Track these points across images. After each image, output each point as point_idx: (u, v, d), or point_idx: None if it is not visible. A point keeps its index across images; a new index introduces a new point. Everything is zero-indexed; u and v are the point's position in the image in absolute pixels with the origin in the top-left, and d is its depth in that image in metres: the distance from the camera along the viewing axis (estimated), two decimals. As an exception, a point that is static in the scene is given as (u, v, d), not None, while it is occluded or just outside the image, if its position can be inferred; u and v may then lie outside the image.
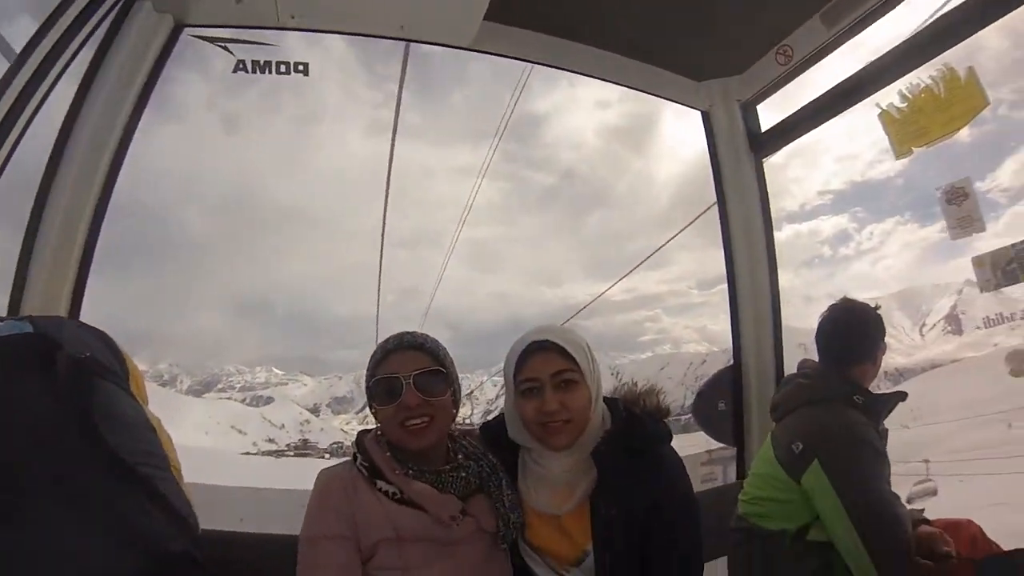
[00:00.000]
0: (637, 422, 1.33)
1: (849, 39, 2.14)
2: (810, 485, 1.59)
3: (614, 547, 1.24)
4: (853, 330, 1.81)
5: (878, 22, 2.03)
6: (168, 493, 1.02)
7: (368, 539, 1.19)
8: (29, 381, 0.94)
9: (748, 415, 2.43)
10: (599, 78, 2.41)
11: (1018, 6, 1.63)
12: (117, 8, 1.52)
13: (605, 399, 1.39)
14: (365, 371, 1.35)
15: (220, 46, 1.74)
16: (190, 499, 1.10)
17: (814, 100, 2.29)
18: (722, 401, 2.46)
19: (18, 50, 1.32)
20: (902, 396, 1.76)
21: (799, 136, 2.47)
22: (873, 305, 1.84)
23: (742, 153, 2.54)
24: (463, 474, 1.28)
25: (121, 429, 1.01)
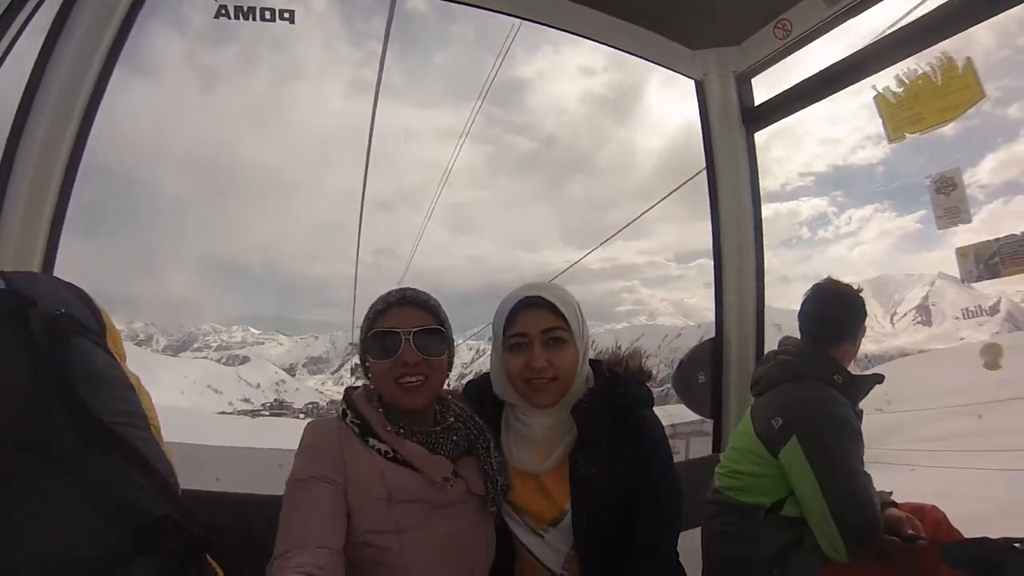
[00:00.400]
0: (621, 382, 1.33)
1: (849, 18, 2.11)
2: (787, 460, 1.63)
3: (591, 505, 1.24)
4: (837, 311, 1.83)
5: (879, 4, 2.01)
6: (148, 455, 1.00)
7: (357, 494, 1.14)
8: (4, 340, 0.89)
9: (727, 389, 2.47)
10: (593, 39, 2.35)
11: (1019, 3, 1.62)
12: None
13: (590, 361, 1.38)
14: (361, 325, 1.30)
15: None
16: (170, 459, 1.09)
17: (810, 77, 2.26)
18: (701, 373, 2.50)
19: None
20: (879, 378, 1.79)
21: (793, 112, 2.45)
22: (856, 287, 1.86)
23: (734, 125, 2.52)
24: (453, 436, 1.26)
25: (98, 388, 0.98)
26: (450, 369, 1.32)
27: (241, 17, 1.62)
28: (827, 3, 2.08)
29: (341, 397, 1.33)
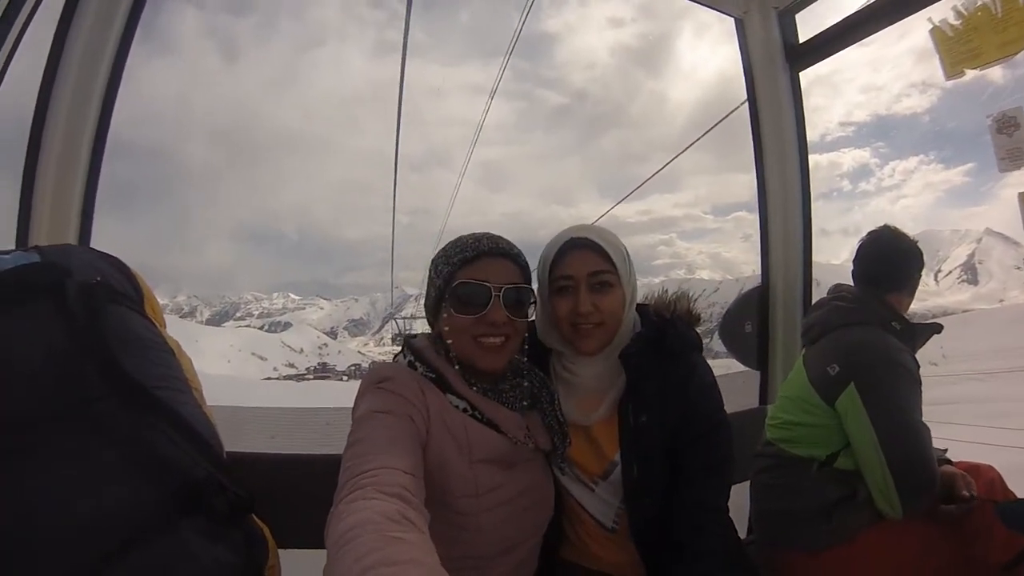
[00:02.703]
0: (669, 326, 1.28)
1: None
2: (844, 409, 1.56)
3: (642, 456, 1.22)
4: (895, 257, 1.74)
5: None
6: (189, 417, 1.01)
7: (438, 450, 1.05)
8: (41, 312, 0.91)
9: (774, 339, 2.39)
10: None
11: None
12: None
13: (637, 306, 1.34)
14: (436, 268, 1.16)
15: None
16: (213, 422, 1.10)
17: (860, 10, 2.08)
18: (748, 322, 2.42)
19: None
20: (938, 328, 1.71)
21: (841, 48, 2.25)
22: (913, 238, 1.77)
23: (778, 64, 2.35)
24: (521, 395, 1.21)
25: (136, 352, 0.99)
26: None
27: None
28: None
29: (400, 348, 1.22)
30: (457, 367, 1.15)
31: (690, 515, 1.20)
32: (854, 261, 1.80)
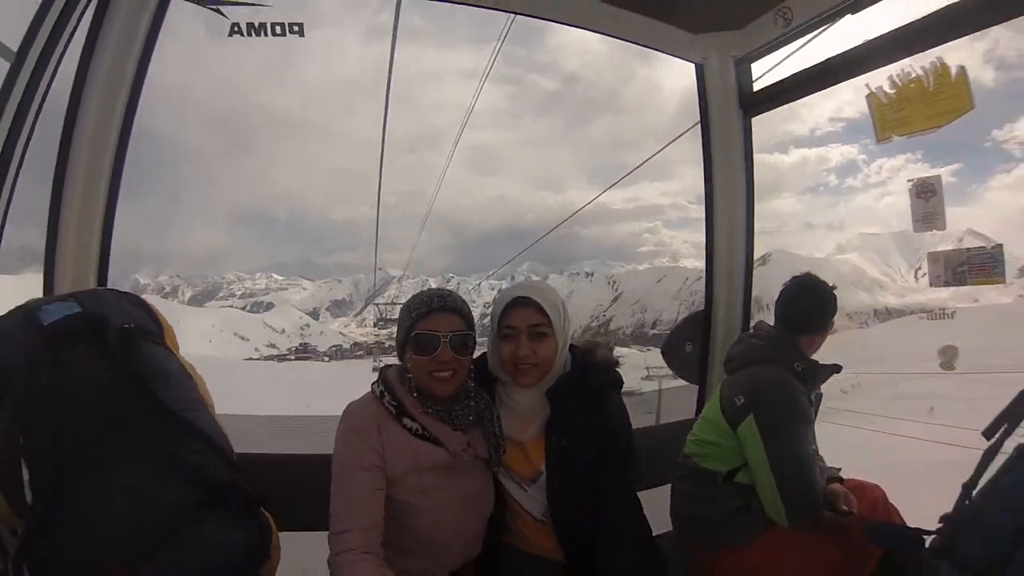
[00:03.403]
0: (590, 368, 1.60)
1: (849, 13, 2.12)
2: (744, 435, 1.83)
3: (561, 471, 1.54)
4: (811, 303, 1.99)
5: (880, 3, 2.03)
6: (210, 431, 1.28)
7: (395, 469, 1.44)
8: (90, 355, 1.18)
9: (712, 358, 2.65)
10: (594, 30, 2.44)
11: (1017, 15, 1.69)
12: None
13: (570, 347, 1.63)
14: (400, 321, 1.54)
15: (212, 8, 1.75)
16: (224, 431, 1.35)
17: (807, 68, 2.33)
18: (689, 343, 2.69)
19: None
20: (837, 368, 1.96)
21: (789, 101, 2.53)
22: (831, 286, 2.01)
23: (732, 109, 2.59)
24: (468, 413, 1.53)
25: (166, 382, 1.25)
26: (472, 357, 1.57)
27: (253, 34, 1.75)
28: None
29: (378, 373, 1.60)
30: (415, 395, 1.49)
31: (606, 517, 1.54)
32: (776, 303, 2.03)
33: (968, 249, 1.95)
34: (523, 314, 1.54)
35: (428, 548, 1.49)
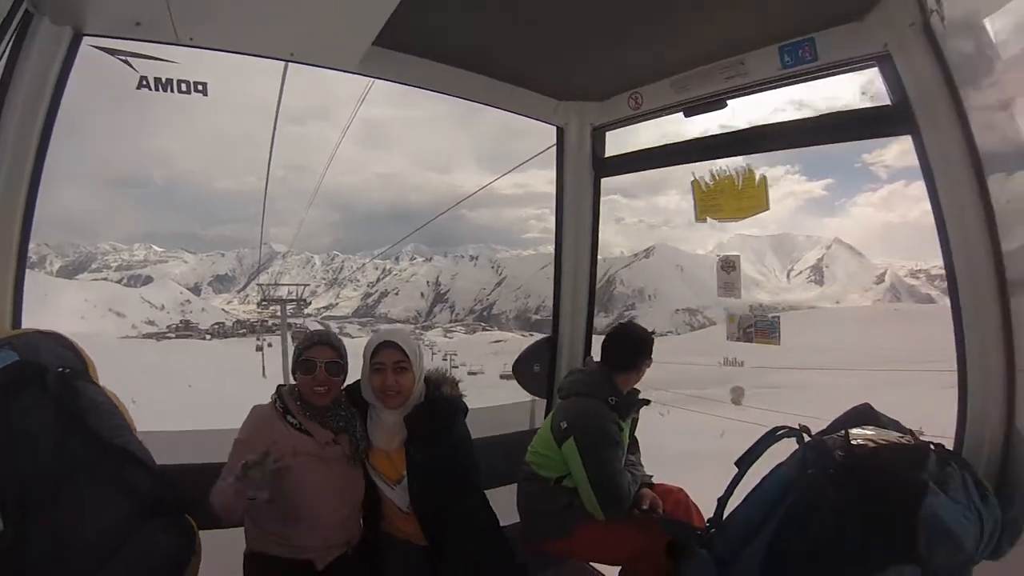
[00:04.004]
0: (440, 401, 2.10)
1: (692, 109, 2.52)
2: (566, 452, 2.31)
3: (417, 477, 2.01)
4: (626, 347, 2.46)
5: (717, 111, 2.49)
6: (138, 453, 1.63)
7: (276, 450, 1.81)
8: (36, 400, 1.49)
9: (558, 377, 3.12)
10: (465, 98, 2.77)
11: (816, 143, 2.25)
12: (16, 28, 1.65)
13: (426, 379, 2.12)
14: (293, 351, 2.08)
15: (122, 59, 1.91)
16: (146, 448, 1.71)
17: (651, 148, 2.83)
18: (537, 364, 3.18)
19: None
20: (646, 402, 2.49)
21: (633, 171, 3.06)
22: (650, 330, 2.52)
23: (585, 170, 3.03)
24: (337, 420, 2.01)
25: (99, 416, 1.60)
26: (344, 382, 2.06)
27: (160, 89, 1.94)
28: (675, 91, 2.52)
29: (273, 392, 2.07)
30: (299, 403, 2.00)
31: (455, 516, 1.99)
32: (602, 343, 2.51)
33: (755, 315, 2.43)
34: (389, 353, 2.01)
35: (310, 522, 1.91)
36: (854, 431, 1.62)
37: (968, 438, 1.73)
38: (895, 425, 1.71)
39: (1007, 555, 1.56)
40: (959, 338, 1.75)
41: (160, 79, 1.96)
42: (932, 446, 1.57)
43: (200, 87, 2.03)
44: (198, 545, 1.78)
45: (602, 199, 3.15)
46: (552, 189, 3.11)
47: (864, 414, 1.76)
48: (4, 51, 1.63)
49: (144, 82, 1.94)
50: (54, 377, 1.52)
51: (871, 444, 1.55)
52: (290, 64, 2.25)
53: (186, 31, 1.94)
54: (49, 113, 1.87)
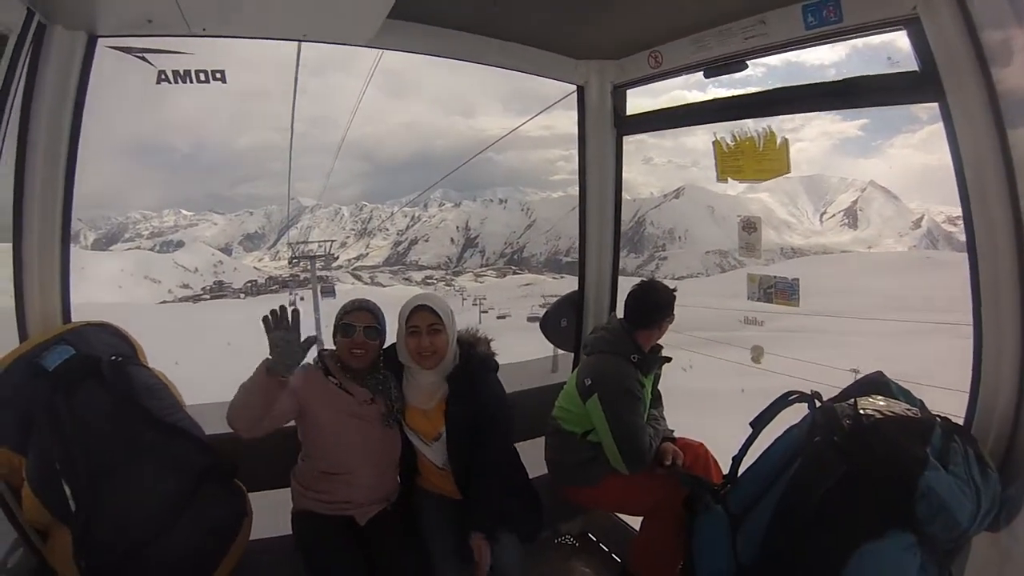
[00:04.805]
0: (474, 360, 2.20)
1: (713, 69, 2.47)
2: (590, 408, 2.39)
3: (455, 431, 2.12)
4: (648, 305, 2.48)
5: (740, 73, 2.44)
6: (189, 428, 1.83)
7: (318, 403, 2.05)
8: (93, 389, 1.65)
9: (585, 330, 3.19)
10: (484, 63, 2.72)
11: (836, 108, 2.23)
12: (32, 40, 1.72)
13: (460, 340, 2.21)
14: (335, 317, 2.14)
15: (138, 56, 1.95)
16: (196, 421, 1.91)
17: (673, 107, 2.79)
18: (564, 319, 3.25)
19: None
20: (667, 359, 2.55)
21: (656, 129, 3.01)
22: (672, 288, 2.53)
23: (606, 128, 3.00)
24: (375, 382, 2.15)
25: (152, 397, 1.79)
26: (382, 345, 2.18)
27: (179, 80, 1.99)
28: (695, 48, 2.46)
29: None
30: (339, 364, 2.14)
31: (487, 465, 2.12)
32: (625, 301, 2.56)
33: (776, 276, 2.48)
34: (423, 316, 2.11)
35: (349, 478, 2.08)
36: (863, 400, 1.67)
37: (979, 412, 1.73)
38: (906, 396, 1.75)
39: (1007, 528, 1.60)
40: (976, 317, 1.72)
41: (179, 71, 2.00)
42: (938, 419, 1.61)
43: (219, 75, 2.06)
44: (249, 507, 2.00)
45: (630, 140, 3.12)
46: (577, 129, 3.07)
47: (876, 383, 1.80)
48: (24, 64, 1.72)
49: (163, 76, 1.99)
50: (108, 366, 1.70)
51: (878, 415, 1.60)
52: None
53: (198, 22, 1.95)
54: (75, 116, 1.94)
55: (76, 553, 1.53)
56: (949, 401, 2.05)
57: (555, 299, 3.45)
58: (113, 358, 1.73)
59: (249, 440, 1.88)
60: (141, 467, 1.64)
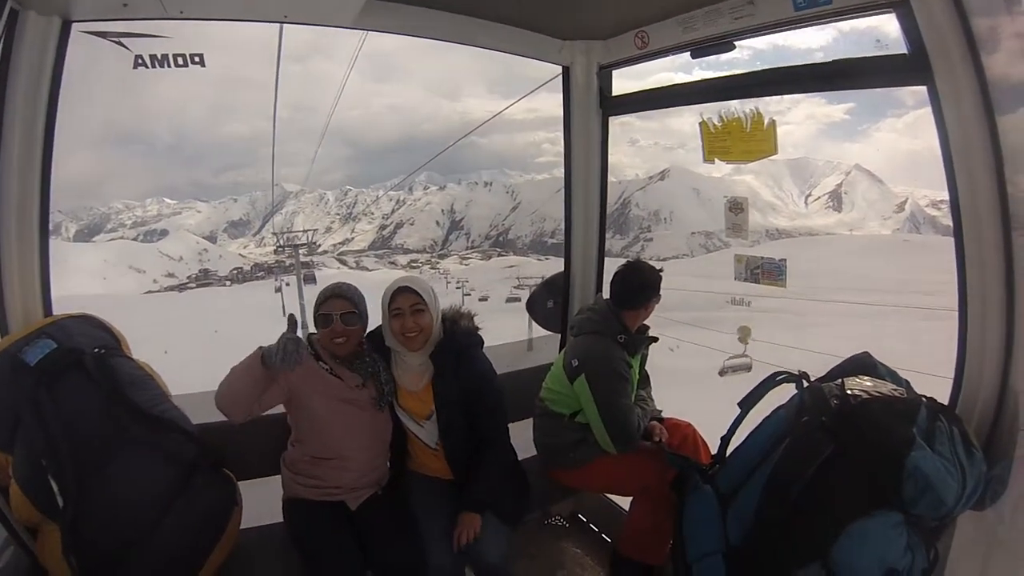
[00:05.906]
0: (457, 332, 2.21)
1: (700, 50, 2.47)
2: (578, 389, 2.40)
3: (445, 410, 2.15)
4: (634, 285, 2.47)
5: (726, 56, 2.43)
6: (176, 419, 1.80)
7: (309, 390, 2.05)
8: (77, 382, 1.63)
9: (571, 311, 3.20)
10: (470, 44, 2.70)
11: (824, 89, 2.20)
12: (5, 26, 1.65)
13: (443, 317, 2.23)
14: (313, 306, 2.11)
15: (114, 41, 1.90)
16: (182, 411, 1.88)
17: (659, 88, 2.78)
18: (550, 300, 3.27)
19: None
20: (654, 339, 2.56)
21: (641, 110, 2.97)
22: (658, 268, 2.53)
23: (592, 109, 2.99)
24: (363, 366, 2.14)
25: (137, 389, 1.77)
26: (365, 330, 2.18)
27: (156, 65, 1.93)
28: (681, 29, 2.44)
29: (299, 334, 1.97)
30: (326, 351, 2.12)
31: (479, 445, 2.18)
32: (611, 282, 2.56)
33: (763, 257, 2.47)
34: (405, 298, 2.12)
35: (339, 460, 2.09)
36: (850, 381, 1.70)
37: (964, 392, 1.75)
38: (892, 376, 1.78)
39: (992, 507, 1.62)
40: (961, 299, 1.73)
41: (156, 56, 1.94)
42: (924, 399, 1.65)
43: (197, 59, 2.01)
44: (238, 495, 1.99)
45: (615, 120, 3.09)
46: (562, 111, 3.06)
47: (863, 363, 1.82)
48: None
49: (140, 61, 1.93)
50: (91, 358, 1.66)
51: (865, 395, 1.63)
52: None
53: (175, 4, 1.90)
54: (50, 104, 1.89)
55: (65, 549, 1.51)
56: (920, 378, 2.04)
57: (532, 281, 3.44)
58: (96, 350, 1.70)
59: (238, 428, 1.89)
60: (128, 460, 1.62)
